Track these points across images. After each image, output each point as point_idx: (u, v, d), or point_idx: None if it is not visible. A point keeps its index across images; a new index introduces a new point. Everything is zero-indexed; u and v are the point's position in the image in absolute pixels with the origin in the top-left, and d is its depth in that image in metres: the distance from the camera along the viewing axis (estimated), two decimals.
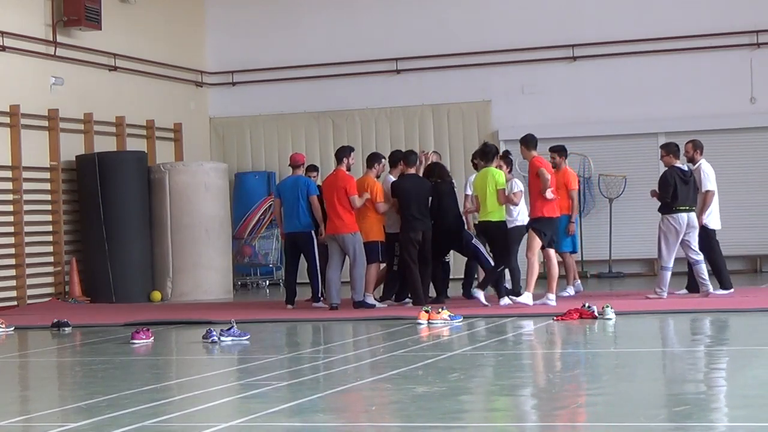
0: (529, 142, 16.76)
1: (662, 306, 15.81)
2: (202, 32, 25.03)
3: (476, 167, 17.40)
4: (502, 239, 16.54)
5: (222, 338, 13.42)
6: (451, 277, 18.33)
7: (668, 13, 22.81)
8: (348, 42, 24.30)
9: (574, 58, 23.24)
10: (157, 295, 20.84)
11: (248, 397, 9.75)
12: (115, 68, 22.27)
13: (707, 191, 16.85)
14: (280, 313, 16.94)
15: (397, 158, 17.45)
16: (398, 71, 24.07)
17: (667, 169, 16.77)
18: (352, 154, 17.41)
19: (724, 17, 22.50)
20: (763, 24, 22.34)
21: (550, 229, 16.18)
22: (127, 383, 10.48)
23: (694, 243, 16.55)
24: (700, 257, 16.65)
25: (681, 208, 16.51)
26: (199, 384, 10.66)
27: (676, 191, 16.47)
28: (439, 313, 14.76)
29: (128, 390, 9.92)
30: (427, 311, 14.73)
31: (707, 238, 16.80)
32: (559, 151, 18.25)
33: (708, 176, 16.93)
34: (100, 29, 21.32)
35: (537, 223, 16.14)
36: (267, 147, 24.60)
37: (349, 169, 17.22)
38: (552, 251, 16.42)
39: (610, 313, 14.50)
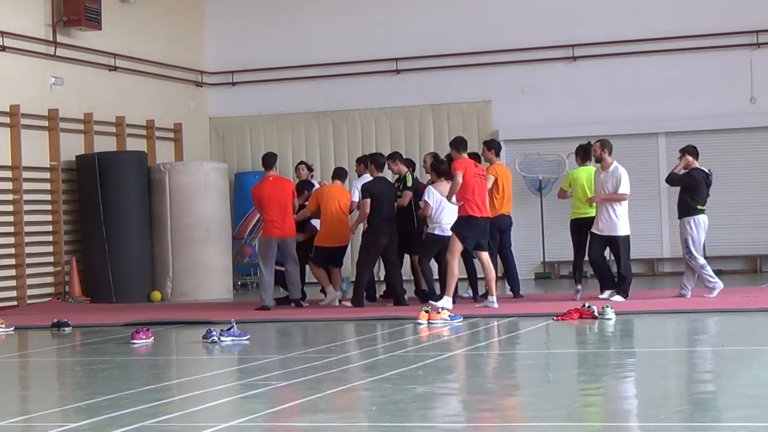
0: (459, 144, 16.57)
1: (662, 306, 15.82)
2: (202, 32, 25.04)
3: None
4: None
5: (222, 338, 13.42)
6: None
7: (668, 13, 22.81)
8: (348, 42, 24.30)
9: (574, 58, 23.25)
10: (157, 295, 20.84)
11: (248, 397, 9.75)
12: (115, 68, 22.27)
13: (624, 194, 16.60)
14: (280, 313, 16.95)
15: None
16: (398, 71, 24.07)
17: (692, 169, 16.71)
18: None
19: (724, 17, 22.50)
20: (763, 24, 22.34)
21: (471, 231, 16.06)
22: (127, 383, 10.48)
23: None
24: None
25: (701, 208, 16.57)
26: (199, 384, 10.66)
27: (699, 192, 16.49)
28: (439, 313, 14.76)
29: (128, 390, 9.92)
30: (427, 311, 14.73)
31: (622, 244, 16.64)
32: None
33: (626, 179, 16.69)
34: (100, 29, 21.32)
35: (456, 226, 16.10)
36: (267, 147, 24.52)
37: None
38: (484, 254, 16.30)
39: (610, 313, 14.50)
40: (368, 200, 16.96)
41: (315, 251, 17.61)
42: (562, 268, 22.76)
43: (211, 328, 13.68)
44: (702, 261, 16.68)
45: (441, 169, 17.00)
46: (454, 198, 16.09)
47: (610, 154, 16.81)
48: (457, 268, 16.09)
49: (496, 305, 16.08)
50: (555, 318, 14.60)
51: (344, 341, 14.04)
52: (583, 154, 17.37)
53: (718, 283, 16.64)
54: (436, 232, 16.82)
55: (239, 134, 24.90)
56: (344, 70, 24.32)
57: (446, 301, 15.71)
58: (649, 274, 22.59)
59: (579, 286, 17.29)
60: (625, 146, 22.80)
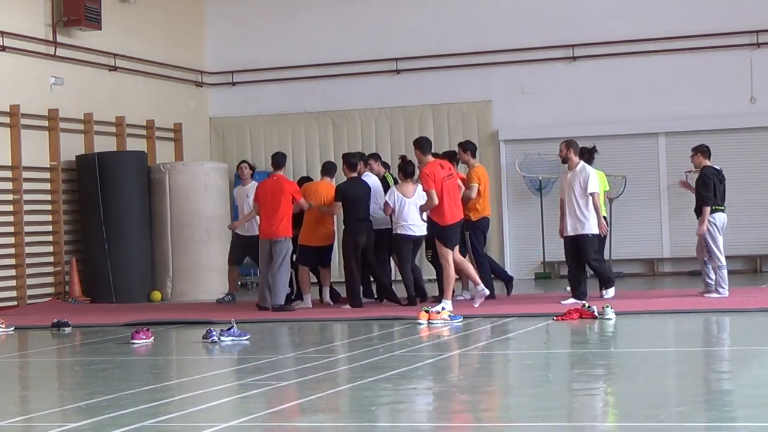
0: (423, 146, 16.46)
1: (662, 306, 15.81)
2: (202, 32, 25.03)
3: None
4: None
5: (222, 338, 13.42)
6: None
7: (668, 13, 22.80)
8: (348, 42, 24.29)
9: (574, 58, 23.24)
10: (157, 295, 20.84)
11: (248, 397, 9.75)
12: (115, 68, 22.27)
13: (594, 193, 16.38)
14: (279, 313, 16.94)
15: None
16: (398, 71, 24.06)
17: (704, 167, 16.77)
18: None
19: (724, 17, 22.49)
20: (763, 24, 22.33)
21: (449, 235, 16.08)
22: (127, 383, 10.48)
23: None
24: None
25: (719, 208, 16.62)
26: (199, 384, 10.66)
27: (716, 191, 16.55)
28: (439, 313, 14.77)
29: (128, 390, 9.92)
30: (427, 311, 14.74)
31: (585, 243, 16.41)
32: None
33: (594, 178, 16.49)
34: (100, 29, 21.31)
35: (435, 231, 16.09)
36: (267, 147, 24.56)
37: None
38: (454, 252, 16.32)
39: (610, 313, 14.50)
40: (339, 203, 17.09)
41: (300, 250, 17.57)
42: (562, 268, 22.74)
43: (211, 328, 13.68)
44: (722, 261, 16.59)
45: (408, 170, 17.06)
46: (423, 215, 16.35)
47: (576, 154, 16.69)
48: (453, 271, 16.13)
49: (486, 291, 16.18)
50: (555, 318, 14.60)
51: (344, 341, 14.05)
52: (588, 156, 17.37)
53: (727, 292, 16.58)
54: (399, 232, 16.90)
55: (239, 134, 24.89)
56: (344, 70, 24.31)
57: (446, 304, 15.72)
58: (649, 274, 22.59)
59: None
60: (625, 146, 22.86)
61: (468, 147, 17.80)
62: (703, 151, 16.95)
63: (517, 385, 10.13)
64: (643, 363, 11.22)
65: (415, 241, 16.93)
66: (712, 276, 16.74)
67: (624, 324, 14.17)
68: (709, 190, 16.58)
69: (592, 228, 16.47)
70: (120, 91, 22.35)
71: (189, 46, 24.56)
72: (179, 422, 8.62)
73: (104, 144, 21.55)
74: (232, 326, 13.64)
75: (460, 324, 14.55)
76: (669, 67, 22.77)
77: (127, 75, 22.59)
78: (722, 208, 16.67)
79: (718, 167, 16.88)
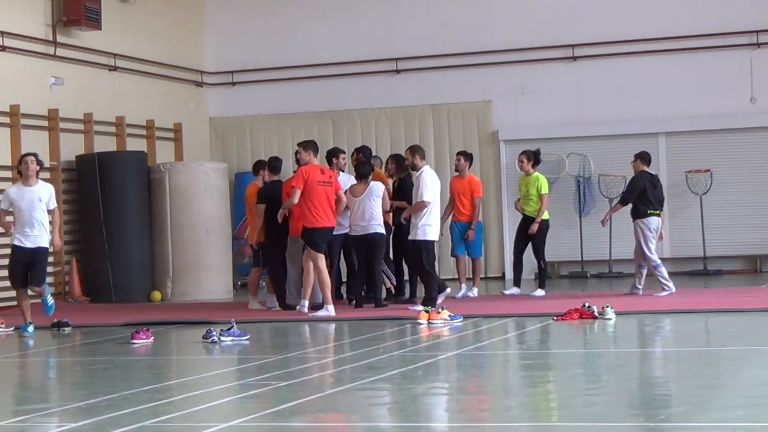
0: (308, 146, 16.71)
1: (662, 306, 15.81)
2: (202, 32, 25.03)
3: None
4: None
5: (222, 338, 13.42)
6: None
7: (668, 13, 22.81)
8: (348, 42, 24.29)
9: (574, 58, 23.24)
10: (157, 295, 20.84)
11: (248, 397, 9.76)
12: (115, 68, 22.27)
13: (422, 201, 16.03)
14: (280, 313, 16.94)
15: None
16: (398, 71, 24.06)
17: (639, 172, 17.37)
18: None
19: (724, 17, 22.49)
20: (763, 24, 22.34)
21: (322, 239, 16.18)
22: (127, 383, 10.49)
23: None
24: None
25: (652, 212, 17.20)
26: (199, 384, 10.66)
27: (647, 194, 17.04)
28: (439, 313, 14.77)
29: (128, 390, 9.93)
30: (427, 311, 14.74)
31: (420, 249, 16.11)
32: (464, 154, 18.11)
33: (427, 185, 16.13)
34: (100, 29, 21.31)
35: (306, 234, 16.19)
36: (267, 147, 24.57)
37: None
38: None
39: (610, 313, 14.51)
40: (263, 206, 17.12)
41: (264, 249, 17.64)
42: (562, 268, 22.76)
43: (211, 328, 13.68)
44: (656, 261, 17.23)
45: (360, 170, 16.99)
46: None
47: (422, 159, 16.66)
48: (312, 275, 16.20)
49: (332, 312, 16.02)
50: (555, 318, 14.60)
51: (344, 341, 14.05)
52: (535, 159, 18.24)
53: (671, 286, 17.14)
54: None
55: (239, 134, 24.90)
56: (344, 70, 24.31)
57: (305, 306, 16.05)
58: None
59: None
60: (625, 146, 22.80)
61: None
62: (642, 157, 17.54)
63: (517, 385, 10.14)
64: (643, 363, 11.22)
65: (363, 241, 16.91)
66: (643, 283, 17.35)
67: (624, 324, 14.17)
68: (632, 192, 17.24)
69: (424, 234, 16.16)
70: (120, 91, 22.35)
71: (189, 46, 24.56)
72: (179, 422, 8.62)
73: (104, 144, 21.55)
74: (232, 326, 13.64)
75: (460, 324, 14.56)
76: (669, 67, 22.77)
77: (127, 75, 22.59)
78: (657, 212, 17.22)
79: (653, 173, 17.51)
